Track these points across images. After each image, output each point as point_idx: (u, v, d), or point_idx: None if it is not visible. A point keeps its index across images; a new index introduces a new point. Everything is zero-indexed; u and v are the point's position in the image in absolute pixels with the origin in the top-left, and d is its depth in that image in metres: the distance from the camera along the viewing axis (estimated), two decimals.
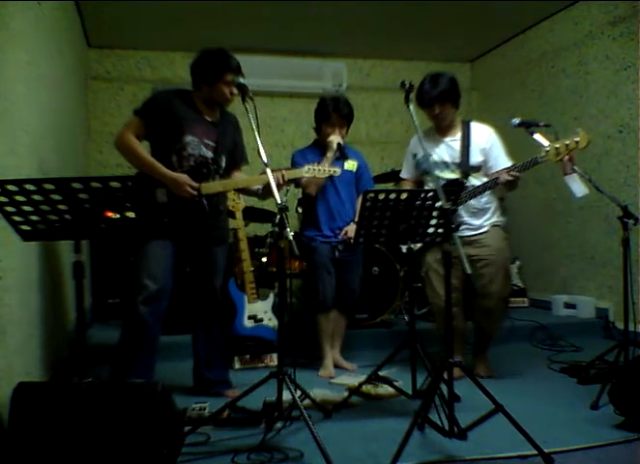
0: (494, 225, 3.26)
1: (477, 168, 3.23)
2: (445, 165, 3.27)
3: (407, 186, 3.46)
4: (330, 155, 3.39)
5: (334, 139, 3.42)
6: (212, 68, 2.81)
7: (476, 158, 3.22)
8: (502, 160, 3.19)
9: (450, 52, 5.99)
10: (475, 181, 3.20)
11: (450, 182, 3.19)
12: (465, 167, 3.22)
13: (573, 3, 4.82)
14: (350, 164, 3.57)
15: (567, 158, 2.92)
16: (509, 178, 2.96)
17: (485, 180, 3.14)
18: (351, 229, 3.44)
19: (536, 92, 5.38)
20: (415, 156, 3.37)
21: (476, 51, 6.10)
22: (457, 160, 3.24)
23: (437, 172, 3.25)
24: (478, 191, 3.12)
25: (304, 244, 3.53)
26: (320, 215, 3.53)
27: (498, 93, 5.88)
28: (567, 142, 2.82)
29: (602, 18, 4.54)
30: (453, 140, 3.27)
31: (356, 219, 3.51)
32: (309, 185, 3.46)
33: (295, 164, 3.44)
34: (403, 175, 3.53)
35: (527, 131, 3.10)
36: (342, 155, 3.47)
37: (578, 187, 3.19)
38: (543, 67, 5.28)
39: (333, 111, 3.44)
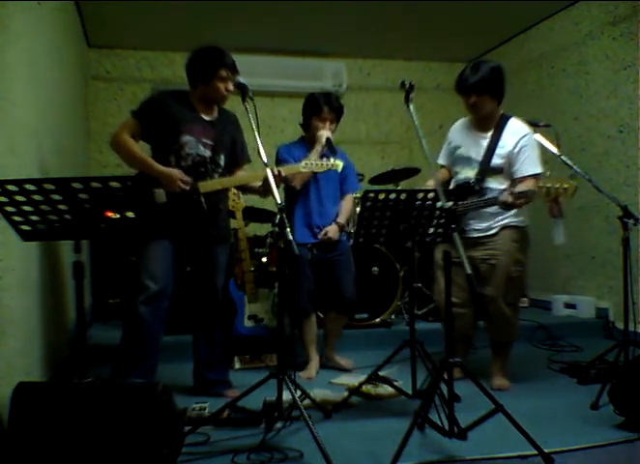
0: (506, 227, 3.07)
1: (497, 170, 3.05)
2: (468, 161, 3.13)
3: (441, 173, 3.28)
4: (318, 148, 3.31)
5: (324, 133, 3.36)
6: (206, 65, 2.82)
7: (498, 159, 3.04)
8: (528, 166, 2.99)
9: (450, 52, 5.99)
10: (493, 184, 3.04)
11: (461, 184, 3.10)
12: (485, 168, 3.05)
13: (573, 3, 4.82)
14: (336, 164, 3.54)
15: (559, 200, 2.85)
16: (510, 200, 2.82)
17: (507, 183, 3.01)
18: (332, 230, 3.40)
19: (536, 92, 5.38)
20: (450, 144, 3.26)
21: (476, 51, 6.10)
22: (480, 159, 3.08)
23: (459, 168, 3.17)
24: (477, 206, 3.00)
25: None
26: (298, 214, 3.45)
27: None
28: (557, 186, 2.73)
29: (602, 18, 4.54)
30: (484, 137, 3.10)
31: (338, 220, 3.49)
32: (294, 178, 3.30)
33: (280, 159, 3.38)
34: (440, 161, 3.34)
35: None
36: (331, 149, 3.35)
37: (558, 234, 3.14)
38: (543, 67, 5.29)
39: (324, 104, 3.39)
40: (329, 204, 3.50)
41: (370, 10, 4.76)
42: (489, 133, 3.09)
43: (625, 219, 3.00)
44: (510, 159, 3.03)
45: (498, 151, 3.05)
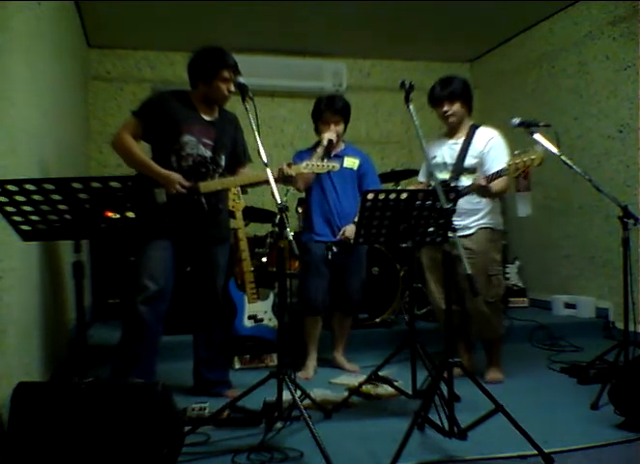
0: (482, 227, 3.22)
1: (470, 170, 3.22)
2: (444, 166, 3.30)
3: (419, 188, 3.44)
4: (319, 150, 3.37)
5: (327, 135, 3.41)
6: (208, 65, 2.82)
7: (470, 160, 3.22)
8: (498, 163, 3.09)
9: (450, 52, 5.99)
10: (467, 182, 3.18)
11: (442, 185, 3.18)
12: (459, 168, 3.23)
13: (573, 3, 4.82)
14: (350, 162, 3.55)
15: (528, 174, 2.91)
16: (483, 183, 2.94)
17: None
18: (349, 229, 3.41)
19: (536, 92, 5.38)
20: (428, 159, 3.35)
21: (476, 51, 6.10)
22: (455, 161, 3.26)
23: (436, 173, 3.24)
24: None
25: (300, 243, 3.51)
26: (316, 213, 3.51)
27: (498, 93, 5.89)
28: (525, 159, 2.73)
29: (602, 18, 4.54)
30: (456, 143, 3.29)
31: (356, 220, 3.51)
32: (296, 180, 3.31)
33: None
34: (419, 178, 3.56)
35: (527, 131, 3.11)
36: (328, 152, 3.44)
37: (524, 206, 3.21)
38: (543, 67, 5.28)
39: (325, 108, 3.44)
40: (347, 202, 3.51)
41: (370, 10, 4.76)
42: (461, 139, 3.29)
43: (625, 219, 3.00)
44: (482, 158, 3.21)
45: (470, 152, 3.24)
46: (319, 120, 3.49)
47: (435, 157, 3.33)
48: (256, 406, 2.61)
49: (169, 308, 2.87)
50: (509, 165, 2.81)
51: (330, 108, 3.44)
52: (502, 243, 3.35)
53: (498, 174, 2.94)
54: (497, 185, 3.01)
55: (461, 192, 3.06)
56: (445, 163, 3.29)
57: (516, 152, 2.87)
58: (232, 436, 2.44)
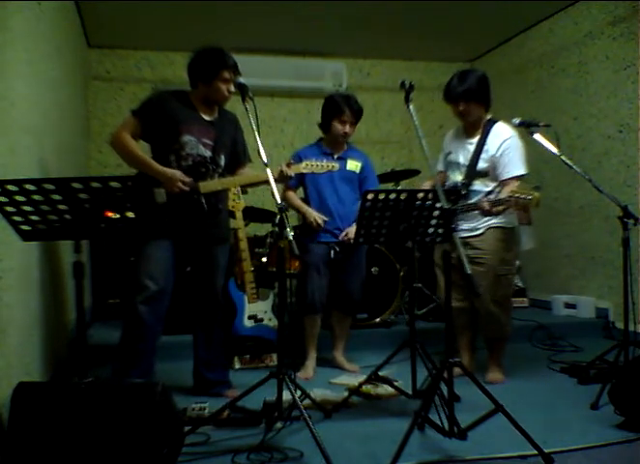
0: (492, 227, 3.16)
1: (483, 174, 3.16)
2: (457, 166, 3.25)
3: (441, 177, 3.33)
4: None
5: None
6: (208, 65, 2.82)
7: (483, 163, 3.15)
8: (511, 168, 3.09)
9: (450, 52, 5.99)
10: (478, 186, 3.15)
11: (449, 190, 3.14)
12: (471, 171, 3.18)
13: (573, 3, 4.82)
14: (353, 165, 3.55)
15: (529, 209, 2.88)
16: (486, 208, 2.89)
17: (493, 185, 3.10)
18: (352, 230, 3.41)
19: (536, 92, 5.38)
20: (444, 151, 3.38)
21: (476, 51, 6.10)
22: (467, 163, 3.20)
23: (450, 172, 3.28)
24: (461, 210, 3.06)
25: (301, 243, 3.50)
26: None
27: (498, 93, 5.84)
28: (523, 196, 2.70)
29: (602, 18, 4.54)
30: (471, 143, 3.22)
31: None
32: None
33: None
34: (439, 167, 3.44)
35: (527, 131, 3.11)
36: (331, 154, 3.48)
37: (527, 239, 3.23)
38: (543, 67, 5.28)
39: (345, 106, 3.41)
40: (349, 204, 3.51)
41: (370, 10, 4.76)
42: (476, 139, 3.21)
43: (625, 219, 3.00)
44: (494, 162, 3.13)
45: (482, 155, 3.16)
46: (336, 116, 3.43)
47: (451, 152, 3.29)
48: (256, 406, 2.61)
49: (169, 308, 2.87)
50: (509, 197, 2.76)
51: (350, 107, 3.42)
52: (515, 240, 3.29)
53: (499, 202, 2.85)
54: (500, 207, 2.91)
55: (463, 209, 3.04)
56: (459, 163, 3.24)
57: (517, 183, 2.85)
58: (232, 436, 2.44)
